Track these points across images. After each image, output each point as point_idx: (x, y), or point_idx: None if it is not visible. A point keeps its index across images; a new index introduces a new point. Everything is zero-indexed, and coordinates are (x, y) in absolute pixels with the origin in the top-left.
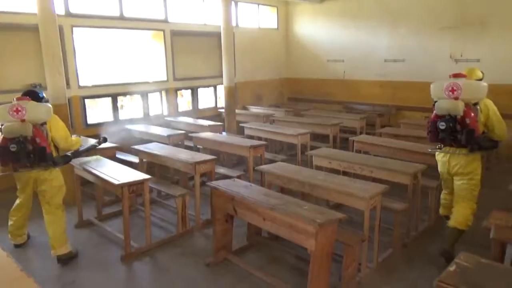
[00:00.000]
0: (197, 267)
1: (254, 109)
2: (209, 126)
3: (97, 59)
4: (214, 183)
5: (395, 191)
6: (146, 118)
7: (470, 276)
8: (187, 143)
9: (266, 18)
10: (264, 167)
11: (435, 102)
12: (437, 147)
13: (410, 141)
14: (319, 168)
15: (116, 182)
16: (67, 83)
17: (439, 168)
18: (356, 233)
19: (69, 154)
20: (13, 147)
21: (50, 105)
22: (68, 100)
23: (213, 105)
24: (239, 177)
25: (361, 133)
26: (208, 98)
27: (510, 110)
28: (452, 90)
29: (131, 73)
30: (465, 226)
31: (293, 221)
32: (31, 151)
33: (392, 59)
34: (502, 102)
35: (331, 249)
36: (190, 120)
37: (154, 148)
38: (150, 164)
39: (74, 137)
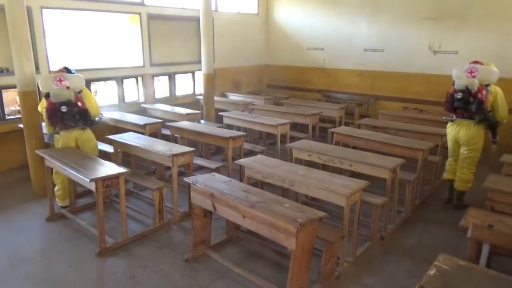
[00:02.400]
0: (175, 262)
1: (233, 97)
2: (187, 114)
3: (69, 42)
4: (192, 179)
5: (373, 183)
6: (121, 105)
7: (450, 280)
8: (164, 131)
9: (246, 3)
10: (243, 160)
11: (454, 81)
12: (450, 119)
13: (388, 133)
14: (298, 160)
15: (89, 178)
16: (37, 68)
17: (448, 137)
18: (335, 230)
19: (97, 119)
20: (63, 108)
21: (83, 76)
22: (37, 86)
23: (191, 91)
24: (218, 169)
25: (340, 123)
26: (186, 84)
27: None
28: (471, 72)
29: (105, 58)
30: (467, 188)
31: (273, 220)
32: (75, 112)
33: (371, 49)
34: None
35: (312, 246)
36: (167, 107)
37: (129, 138)
38: (126, 153)
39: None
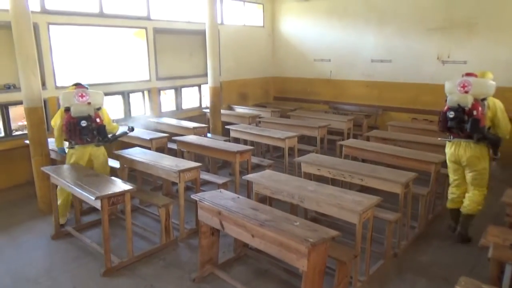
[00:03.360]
0: (182, 282)
1: (240, 109)
2: (194, 128)
3: (76, 58)
4: (199, 196)
5: (385, 197)
6: (128, 119)
7: None
8: (170, 145)
9: (252, 16)
10: (251, 176)
11: (447, 97)
12: (448, 139)
13: (399, 145)
14: (307, 175)
15: (94, 196)
16: (43, 84)
17: (448, 159)
18: (347, 248)
19: (110, 136)
20: (83, 123)
21: (102, 93)
22: (44, 101)
23: (197, 105)
24: (225, 184)
25: (348, 134)
26: (192, 97)
27: None
28: (463, 86)
29: (112, 73)
30: (477, 211)
31: (284, 239)
32: (94, 128)
33: (379, 59)
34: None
35: (324, 267)
36: (173, 121)
37: (136, 154)
38: (131, 168)
39: (114, 123)
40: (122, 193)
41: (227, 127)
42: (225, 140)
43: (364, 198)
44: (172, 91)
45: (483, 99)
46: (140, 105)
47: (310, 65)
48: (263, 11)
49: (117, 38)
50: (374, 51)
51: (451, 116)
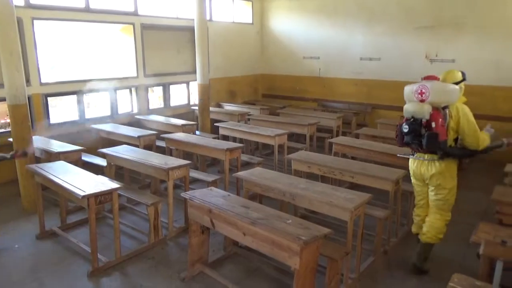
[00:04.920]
0: (171, 281)
1: (229, 107)
2: (182, 125)
3: (61, 54)
4: (189, 194)
5: (374, 194)
6: (115, 116)
7: None
8: (159, 143)
9: (241, 13)
10: (242, 174)
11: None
12: (411, 153)
13: (388, 143)
14: (297, 172)
15: (81, 194)
16: (27, 80)
17: (412, 176)
18: (338, 246)
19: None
20: (405, 128)
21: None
22: (28, 98)
23: (186, 102)
24: (215, 182)
25: (337, 132)
26: (181, 95)
27: (483, 110)
28: (421, 93)
29: (98, 69)
30: (437, 240)
31: (276, 237)
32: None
33: (368, 58)
34: (476, 102)
35: (316, 265)
36: (161, 119)
37: (123, 151)
38: (119, 166)
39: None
40: (110, 192)
41: (216, 124)
42: (214, 138)
43: (356, 195)
44: (160, 88)
45: (445, 107)
46: (127, 102)
47: (299, 62)
48: (252, 8)
49: (103, 34)
50: (363, 49)
51: (405, 130)
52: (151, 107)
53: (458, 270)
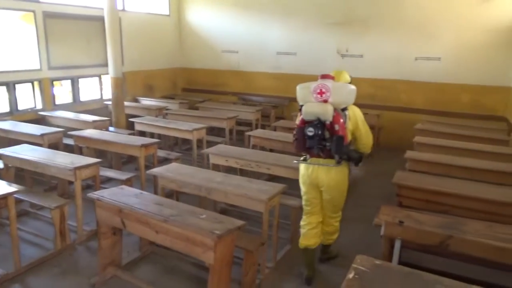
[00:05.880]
0: None
1: (146, 101)
2: (93, 122)
3: None
4: (97, 194)
5: (292, 184)
6: (14, 113)
7: (367, 281)
8: (66, 141)
9: (157, 4)
10: (156, 170)
11: (301, 106)
12: (302, 158)
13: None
14: (216, 166)
15: None
16: None
17: (302, 182)
18: (254, 237)
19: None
20: (310, 131)
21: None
22: None
23: (98, 97)
24: (129, 180)
25: (256, 125)
26: (92, 89)
27: (390, 102)
28: (321, 93)
29: None
30: (333, 241)
31: (189, 233)
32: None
33: (284, 52)
34: (382, 95)
35: (231, 258)
36: (70, 115)
37: (23, 151)
38: (20, 168)
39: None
40: (4, 197)
41: (131, 119)
42: (129, 134)
43: (270, 186)
44: (69, 82)
45: (344, 109)
46: (29, 97)
47: (218, 56)
48: (169, 0)
49: (0, 21)
50: (279, 43)
51: (310, 134)
52: (58, 102)
53: (365, 252)
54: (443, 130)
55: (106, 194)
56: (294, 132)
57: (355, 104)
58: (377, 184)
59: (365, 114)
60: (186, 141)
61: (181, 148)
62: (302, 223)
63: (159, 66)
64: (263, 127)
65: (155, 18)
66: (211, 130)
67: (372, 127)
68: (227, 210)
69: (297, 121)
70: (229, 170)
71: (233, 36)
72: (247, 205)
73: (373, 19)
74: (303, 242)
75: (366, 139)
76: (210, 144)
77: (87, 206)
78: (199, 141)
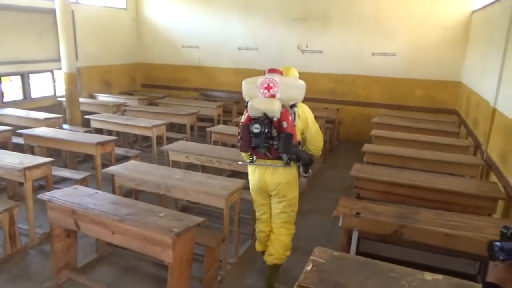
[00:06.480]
0: None
1: (103, 98)
2: (45, 119)
3: None
4: (49, 194)
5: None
6: None
7: (325, 272)
8: (16, 140)
9: None
10: (113, 168)
11: (248, 102)
12: (249, 159)
13: None
14: (176, 163)
15: None
16: None
17: (252, 189)
18: (215, 233)
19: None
20: (256, 128)
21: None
22: None
23: (51, 93)
24: (85, 179)
25: (218, 121)
26: (45, 85)
27: (349, 96)
28: (268, 87)
29: None
30: (285, 259)
31: (147, 232)
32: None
33: (245, 47)
34: (342, 89)
35: (191, 256)
36: (20, 112)
37: None
38: None
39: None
40: None
41: (87, 117)
42: (85, 132)
43: (231, 182)
44: (18, 77)
45: (293, 106)
46: None
47: (178, 51)
48: None
49: None
50: (241, 39)
51: (256, 131)
52: (7, 99)
53: (325, 243)
54: (399, 123)
55: (58, 194)
56: (239, 130)
57: (316, 99)
58: (337, 177)
59: (325, 108)
60: (146, 138)
61: (141, 146)
62: (256, 229)
63: (117, 61)
64: (225, 122)
65: (111, 12)
66: (172, 127)
67: (332, 122)
68: (188, 207)
69: (243, 118)
70: (191, 166)
71: (193, 31)
72: (207, 202)
73: (332, 16)
74: (259, 247)
75: (316, 140)
76: (171, 140)
77: (39, 208)
78: (159, 138)
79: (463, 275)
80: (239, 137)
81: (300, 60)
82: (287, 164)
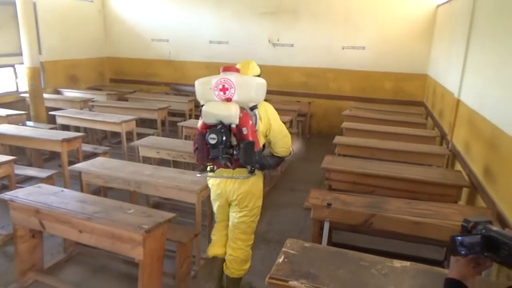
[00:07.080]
0: None
1: (69, 93)
2: (7, 116)
3: None
4: (11, 194)
5: None
6: None
7: (297, 264)
8: None
9: None
10: (80, 165)
11: (203, 106)
12: (209, 169)
13: None
14: (146, 159)
15: None
16: None
17: (213, 199)
18: (188, 229)
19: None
20: (212, 138)
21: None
22: None
23: (13, 89)
24: (51, 177)
25: (190, 116)
26: (6, 80)
27: (320, 89)
28: (224, 89)
29: None
30: (245, 272)
31: (115, 230)
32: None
33: (216, 41)
34: (313, 83)
35: (162, 252)
36: None
37: None
38: None
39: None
40: None
41: (52, 113)
42: (50, 128)
43: (203, 177)
44: None
45: (253, 107)
46: None
47: (148, 45)
48: None
49: None
50: (212, 32)
51: (213, 142)
52: None
53: (298, 235)
54: (369, 115)
55: (20, 194)
56: (194, 139)
57: (288, 93)
58: (309, 169)
59: (297, 102)
60: (115, 135)
61: (111, 142)
62: (213, 231)
63: (84, 55)
64: (196, 117)
65: (76, 4)
66: (143, 122)
67: (304, 115)
68: (160, 203)
69: (198, 124)
70: (163, 163)
71: (163, 24)
72: (179, 197)
73: (303, 9)
74: (212, 250)
75: (282, 141)
76: (141, 136)
77: (1, 208)
78: (129, 134)
79: (431, 261)
80: (195, 147)
81: (272, 53)
82: (251, 172)
